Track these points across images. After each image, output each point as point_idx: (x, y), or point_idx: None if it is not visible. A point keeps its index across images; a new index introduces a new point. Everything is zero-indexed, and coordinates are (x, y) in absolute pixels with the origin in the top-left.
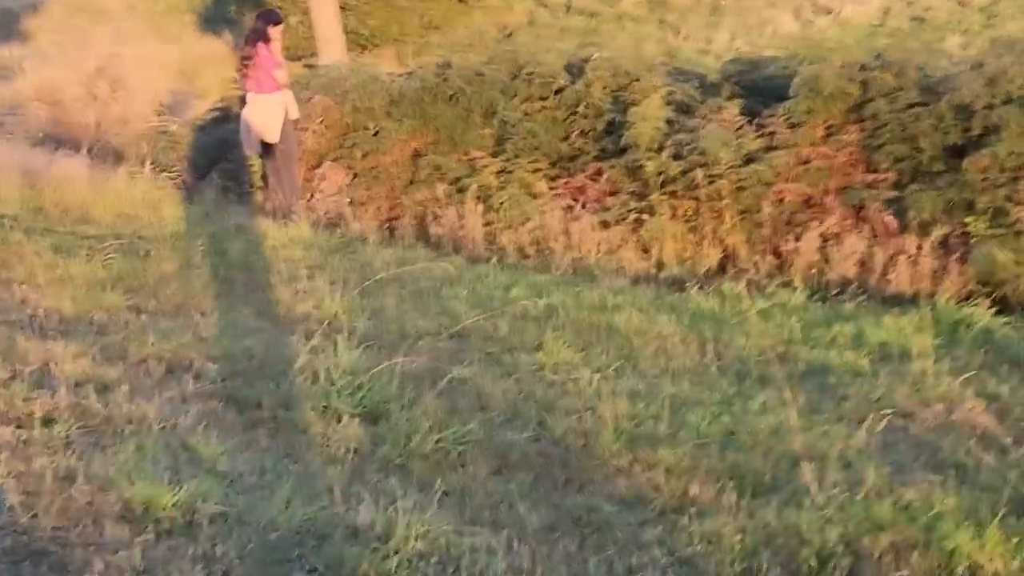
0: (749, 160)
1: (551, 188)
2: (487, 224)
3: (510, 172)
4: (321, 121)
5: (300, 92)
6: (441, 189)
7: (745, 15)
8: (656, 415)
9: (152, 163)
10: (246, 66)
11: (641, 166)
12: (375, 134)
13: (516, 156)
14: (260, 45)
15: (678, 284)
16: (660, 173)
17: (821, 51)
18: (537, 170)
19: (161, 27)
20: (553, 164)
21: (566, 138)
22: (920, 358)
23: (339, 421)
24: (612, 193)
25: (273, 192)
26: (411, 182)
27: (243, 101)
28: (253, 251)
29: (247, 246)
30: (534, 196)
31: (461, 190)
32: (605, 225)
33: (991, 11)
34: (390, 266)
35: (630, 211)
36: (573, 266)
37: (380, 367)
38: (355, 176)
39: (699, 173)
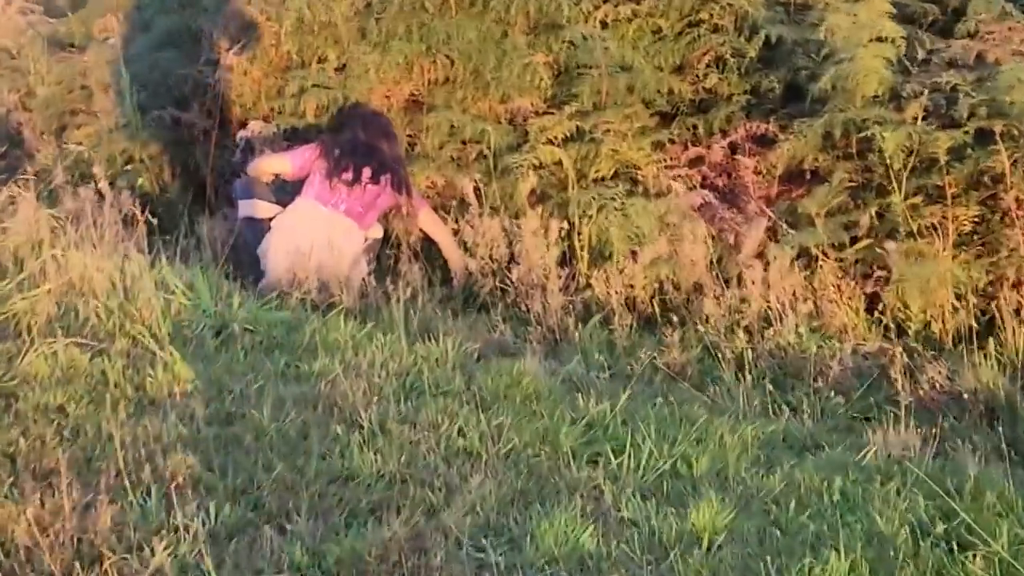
0: None
1: (669, 166)
2: (559, 240)
3: (591, 139)
4: (241, 47)
5: None
6: (468, 179)
7: None
8: None
9: None
10: (339, 181)
11: (864, 135)
12: (339, 69)
13: (597, 107)
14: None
15: None
16: (910, 153)
17: None
18: (641, 132)
19: None
20: (664, 120)
21: (679, 69)
22: None
23: None
24: (807, 179)
25: None
26: (406, 159)
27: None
28: (72, 379)
29: (68, 367)
30: (639, 186)
31: (505, 172)
32: (803, 259)
33: None
34: (390, 409)
35: (844, 227)
36: (761, 360)
37: None
38: None
39: (1002, 157)
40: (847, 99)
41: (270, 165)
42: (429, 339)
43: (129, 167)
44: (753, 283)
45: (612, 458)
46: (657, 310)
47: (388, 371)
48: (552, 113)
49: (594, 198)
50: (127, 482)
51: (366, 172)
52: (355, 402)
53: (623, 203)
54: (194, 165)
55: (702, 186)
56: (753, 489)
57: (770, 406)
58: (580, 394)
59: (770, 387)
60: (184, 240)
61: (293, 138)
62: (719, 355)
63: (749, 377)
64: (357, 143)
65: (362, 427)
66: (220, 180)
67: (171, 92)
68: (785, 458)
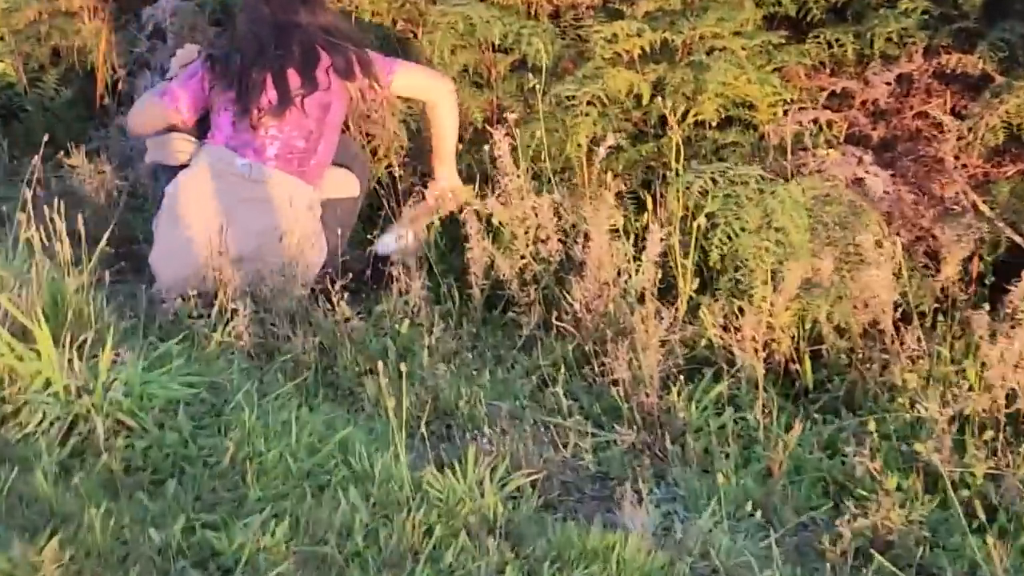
0: None
1: (802, 105)
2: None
3: (690, 62)
4: None
5: None
6: (491, 108)
7: None
8: None
9: None
10: (262, 113)
11: None
12: None
13: (687, 6)
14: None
15: None
16: None
17: None
18: (757, 51)
19: None
20: (788, 31)
21: None
22: None
23: None
24: None
25: None
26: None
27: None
28: None
29: None
30: (752, 132)
31: (553, 103)
32: None
33: None
34: None
35: None
36: (1014, 509)
37: None
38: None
39: None
40: None
41: (151, 118)
42: (447, 448)
43: None
44: (993, 348)
45: None
46: (809, 369)
47: (379, 549)
48: (621, 13)
49: (713, 179)
50: None
51: (293, 76)
52: None
53: (757, 187)
54: (79, 47)
55: (846, 140)
56: None
57: None
58: None
59: None
60: (50, 183)
61: (226, 22)
62: (944, 489)
63: (1002, 558)
64: (260, 29)
65: None
66: (119, 74)
67: None
68: None
